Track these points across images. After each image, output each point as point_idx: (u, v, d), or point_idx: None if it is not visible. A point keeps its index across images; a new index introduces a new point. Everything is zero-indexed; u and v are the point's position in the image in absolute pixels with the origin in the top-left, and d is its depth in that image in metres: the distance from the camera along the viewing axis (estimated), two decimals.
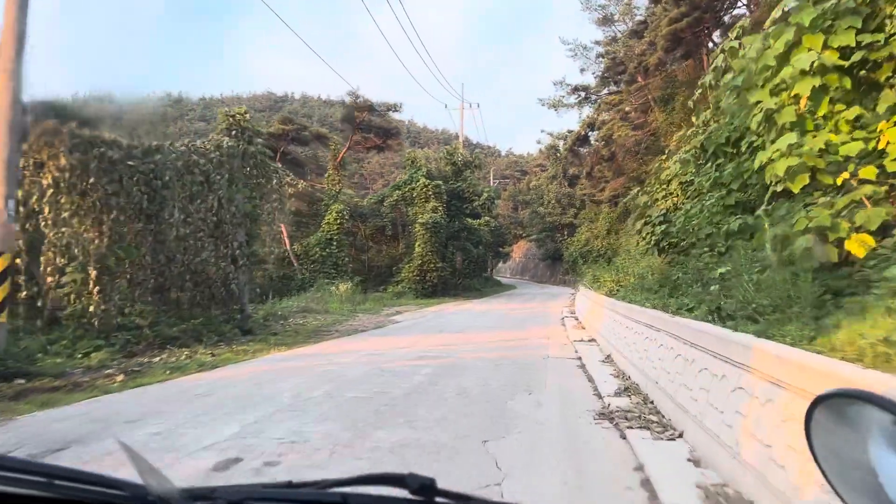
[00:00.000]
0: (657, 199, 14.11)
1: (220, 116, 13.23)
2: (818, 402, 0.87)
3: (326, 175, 29.16)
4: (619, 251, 40.40)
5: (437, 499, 0.78)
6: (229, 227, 12.45)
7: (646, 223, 13.84)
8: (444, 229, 30.36)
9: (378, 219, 32.76)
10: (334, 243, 27.85)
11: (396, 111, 28.49)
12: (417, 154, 33.29)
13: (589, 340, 11.45)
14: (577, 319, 16.89)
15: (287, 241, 28.88)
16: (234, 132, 12.90)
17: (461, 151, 32.62)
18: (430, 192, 30.81)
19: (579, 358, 9.27)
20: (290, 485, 0.84)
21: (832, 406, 0.87)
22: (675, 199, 13.52)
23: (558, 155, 63.33)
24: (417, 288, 28.84)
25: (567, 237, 56.87)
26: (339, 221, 28.01)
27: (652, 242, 13.13)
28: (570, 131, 61.50)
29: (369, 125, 29.23)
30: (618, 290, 14.92)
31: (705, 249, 9.38)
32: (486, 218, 48.09)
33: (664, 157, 14.47)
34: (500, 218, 63.11)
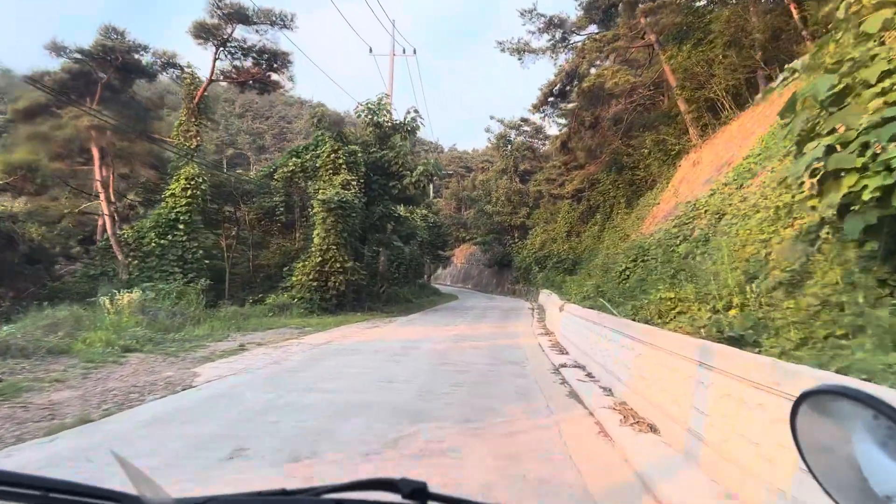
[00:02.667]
0: (857, 85, 5.38)
1: None
2: (803, 398, 0.85)
3: (177, 123, 19.09)
4: (585, 256, 32.37)
5: (430, 502, 0.78)
6: None
7: (834, 145, 5.16)
8: (360, 214, 21.01)
9: (266, 198, 23.00)
10: (181, 226, 17.90)
11: (286, 27, 18.88)
12: (327, 111, 23.83)
13: None
14: (592, 379, 8.03)
15: (108, 221, 18.66)
16: None
17: (388, 109, 23.42)
18: (342, 162, 21.43)
19: None
20: (284, 492, 0.83)
21: (817, 402, 0.84)
22: None
23: (510, 147, 55.48)
24: (315, 298, 19.30)
25: (518, 240, 48.82)
26: (190, 194, 18.09)
27: (865, 194, 4.46)
28: (524, 119, 53.88)
29: (243, 47, 19.34)
30: (732, 325, 6.14)
31: None
32: (424, 211, 39.05)
33: None
34: (442, 216, 54.27)
